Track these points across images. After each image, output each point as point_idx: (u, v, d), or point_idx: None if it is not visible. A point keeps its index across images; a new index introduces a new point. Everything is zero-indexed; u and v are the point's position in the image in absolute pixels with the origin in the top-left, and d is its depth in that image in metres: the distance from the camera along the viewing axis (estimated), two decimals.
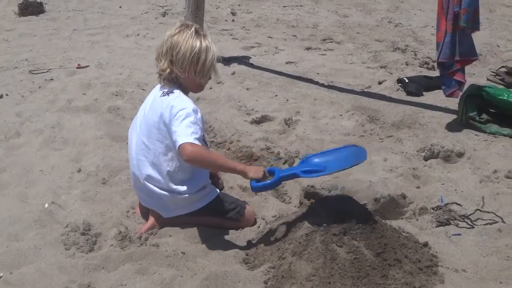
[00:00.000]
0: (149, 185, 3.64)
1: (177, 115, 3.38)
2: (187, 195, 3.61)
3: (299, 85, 6.18)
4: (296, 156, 4.69)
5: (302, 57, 7.20)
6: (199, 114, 3.45)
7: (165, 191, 3.61)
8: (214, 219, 3.72)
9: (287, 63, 6.96)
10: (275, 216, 3.86)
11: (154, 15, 8.96)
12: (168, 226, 3.71)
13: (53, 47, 7.48)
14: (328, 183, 4.18)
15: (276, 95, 5.89)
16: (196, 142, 3.30)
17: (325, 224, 3.27)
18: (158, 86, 3.68)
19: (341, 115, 5.45)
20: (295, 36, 8.17)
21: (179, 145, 3.30)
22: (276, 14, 9.17)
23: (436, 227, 3.74)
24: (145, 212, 3.86)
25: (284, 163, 4.61)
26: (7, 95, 5.92)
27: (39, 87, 6.11)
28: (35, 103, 5.72)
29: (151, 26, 8.39)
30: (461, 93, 5.07)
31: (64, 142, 4.93)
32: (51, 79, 6.33)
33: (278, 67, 6.73)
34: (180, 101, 3.47)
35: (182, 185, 3.61)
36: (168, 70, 3.48)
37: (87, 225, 3.71)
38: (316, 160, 3.56)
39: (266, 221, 3.81)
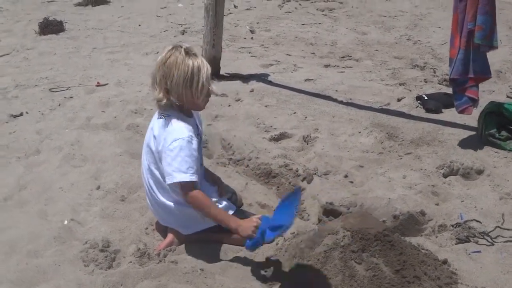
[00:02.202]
0: (164, 205, 3.65)
1: (171, 145, 3.38)
2: None
3: (318, 102, 6.18)
4: (315, 173, 4.67)
5: (321, 75, 7.20)
6: (194, 143, 3.43)
7: (180, 208, 3.62)
8: (232, 236, 3.71)
9: (305, 80, 6.96)
10: (294, 233, 3.83)
11: (173, 33, 9.01)
12: (186, 243, 3.71)
13: (72, 65, 7.54)
14: (347, 200, 4.18)
15: (294, 112, 5.89)
16: (194, 178, 3.36)
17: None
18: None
19: (359, 132, 5.43)
20: (313, 53, 8.18)
21: (177, 182, 3.36)
22: (294, 32, 9.19)
23: (455, 244, 3.71)
24: (164, 229, 3.87)
25: (302, 180, 4.60)
26: (27, 112, 5.98)
27: (59, 105, 6.16)
28: (55, 120, 5.77)
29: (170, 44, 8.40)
30: (474, 110, 5.02)
31: (83, 160, 4.95)
32: (71, 97, 6.39)
33: (296, 84, 6.73)
34: (174, 129, 3.45)
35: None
36: (165, 99, 3.44)
37: (106, 242, 3.73)
38: (280, 210, 3.48)
39: (284, 238, 3.78)
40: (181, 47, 3.43)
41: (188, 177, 3.33)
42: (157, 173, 3.60)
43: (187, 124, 3.49)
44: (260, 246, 3.46)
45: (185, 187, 3.37)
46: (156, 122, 3.57)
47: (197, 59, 3.41)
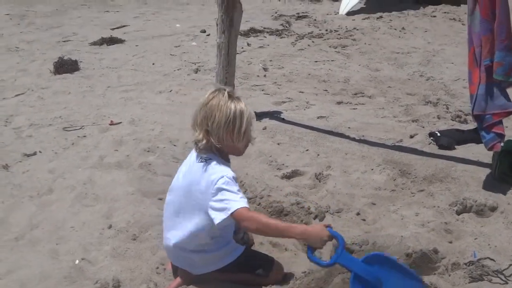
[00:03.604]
0: (178, 246, 3.63)
1: (217, 184, 3.33)
2: (215, 252, 3.59)
3: (330, 140, 6.17)
4: (327, 211, 4.65)
5: (333, 112, 7.20)
6: (237, 183, 3.42)
7: (193, 252, 3.60)
8: (242, 275, 3.69)
9: (318, 117, 6.96)
10: (305, 272, 3.80)
11: (186, 72, 9.05)
12: (196, 284, 3.68)
13: (87, 104, 7.59)
14: (359, 238, 4.14)
15: (307, 150, 5.88)
16: (247, 205, 3.29)
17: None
18: (194, 151, 3.65)
19: (372, 169, 5.41)
20: (326, 90, 8.19)
21: (234, 211, 3.24)
22: (307, 69, 9.20)
23: (469, 282, 3.66)
24: (176, 269, 3.85)
25: (314, 218, 4.58)
26: (40, 152, 6.01)
27: (72, 144, 6.19)
28: (68, 159, 5.80)
29: (183, 82, 8.47)
30: (501, 145, 4.95)
31: (95, 199, 4.97)
32: (84, 136, 6.42)
33: (309, 121, 6.74)
34: (218, 169, 3.42)
35: (209, 245, 3.59)
36: (204, 141, 3.44)
37: (116, 282, 3.73)
38: (378, 268, 3.35)
39: (296, 277, 3.75)
40: (225, 90, 3.45)
41: (243, 203, 3.27)
42: (183, 211, 3.58)
43: (228, 167, 3.49)
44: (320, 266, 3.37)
45: (241, 214, 3.25)
46: (195, 166, 3.54)
47: (240, 103, 3.43)
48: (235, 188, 3.34)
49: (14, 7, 15.50)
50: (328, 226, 3.35)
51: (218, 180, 3.34)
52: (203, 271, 3.68)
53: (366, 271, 3.26)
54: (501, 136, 4.85)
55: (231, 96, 3.42)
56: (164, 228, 3.78)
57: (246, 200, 3.31)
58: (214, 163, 3.46)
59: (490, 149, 4.92)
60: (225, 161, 3.55)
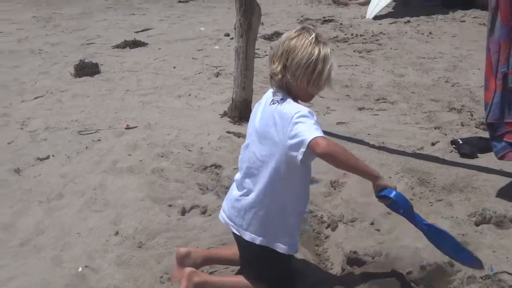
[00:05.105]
0: (248, 195, 3.49)
1: (293, 118, 3.15)
2: (269, 220, 3.45)
3: (349, 146, 6.01)
4: (340, 220, 4.52)
5: (354, 118, 7.06)
6: (315, 117, 3.20)
7: (254, 203, 3.46)
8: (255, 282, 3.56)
9: (338, 123, 6.82)
10: (315, 283, 3.71)
11: (207, 76, 8.96)
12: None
13: (104, 107, 7.53)
14: (371, 249, 4.02)
15: None
16: (323, 135, 3.10)
17: None
18: (269, 92, 3.49)
19: (390, 178, 5.23)
20: (348, 96, 8.05)
21: (310, 140, 3.04)
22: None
23: None
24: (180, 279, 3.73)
25: (327, 227, 4.46)
26: (53, 156, 5.95)
27: (86, 148, 6.12)
28: (80, 164, 5.72)
29: (203, 86, 8.38)
30: None
31: (105, 204, 4.88)
32: (99, 140, 6.35)
33: (328, 127, 6.58)
34: (293, 106, 3.24)
35: (275, 203, 3.44)
36: (280, 75, 3.28)
37: None
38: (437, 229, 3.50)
39: None
40: (313, 30, 3.29)
41: (318, 133, 3.07)
42: (262, 158, 3.40)
43: (301, 105, 3.30)
44: (398, 209, 3.42)
45: (317, 144, 3.04)
46: (268, 109, 3.37)
47: (326, 48, 3.25)
48: (310, 121, 3.14)
49: (41, 10, 15.59)
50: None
51: (294, 115, 3.16)
52: (243, 232, 3.52)
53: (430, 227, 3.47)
54: None
55: (317, 39, 3.25)
56: (237, 175, 3.64)
57: (322, 132, 3.10)
58: (287, 102, 3.28)
59: (500, 158, 4.78)
60: (296, 102, 3.35)
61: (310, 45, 3.21)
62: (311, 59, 3.19)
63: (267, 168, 3.36)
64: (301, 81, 3.25)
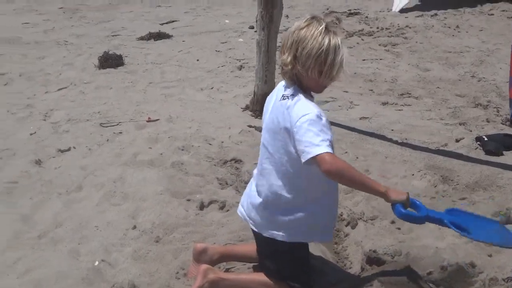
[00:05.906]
0: (262, 190, 3.44)
1: (299, 121, 3.08)
2: (291, 213, 3.38)
3: (371, 142, 5.96)
4: (360, 218, 4.46)
5: (377, 113, 6.98)
6: (323, 119, 3.10)
7: (270, 199, 3.40)
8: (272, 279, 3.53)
9: (360, 118, 6.75)
10: (334, 282, 3.65)
11: (230, 69, 8.93)
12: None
13: (127, 99, 7.53)
14: (391, 248, 3.96)
15: (346, 152, 5.67)
16: (330, 150, 3.01)
17: None
18: (280, 85, 3.42)
19: (412, 175, 5.18)
20: (371, 90, 7.97)
21: (315, 156, 2.99)
22: (354, 68, 8.93)
23: None
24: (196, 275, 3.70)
25: (346, 225, 4.41)
26: (74, 148, 5.95)
27: (107, 140, 6.12)
28: (101, 156, 5.72)
29: (226, 79, 8.35)
30: None
31: (123, 197, 4.87)
32: (120, 133, 6.34)
33: (351, 122, 6.53)
34: (301, 106, 3.15)
35: (292, 198, 3.36)
36: (290, 66, 3.17)
37: (132, 286, 3.61)
38: (463, 216, 3.39)
39: None
40: (323, 20, 3.17)
41: (323, 148, 2.99)
42: (276, 155, 3.35)
43: (313, 103, 3.21)
44: (410, 222, 3.36)
45: (322, 161, 2.99)
46: (278, 104, 3.29)
47: (337, 38, 3.13)
48: (317, 128, 3.04)
49: (68, 1, 15.63)
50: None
51: (299, 119, 3.08)
52: (267, 232, 3.45)
53: (454, 217, 3.28)
54: None
55: (328, 29, 3.14)
56: (256, 171, 3.59)
57: (327, 144, 3.02)
58: (297, 98, 3.20)
59: None
60: (309, 96, 3.27)
61: (320, 34, 3.10)
62: (321, 49, 3.09)
63: (281, 163, 3.31)
64: (312, 72, 3.14)
